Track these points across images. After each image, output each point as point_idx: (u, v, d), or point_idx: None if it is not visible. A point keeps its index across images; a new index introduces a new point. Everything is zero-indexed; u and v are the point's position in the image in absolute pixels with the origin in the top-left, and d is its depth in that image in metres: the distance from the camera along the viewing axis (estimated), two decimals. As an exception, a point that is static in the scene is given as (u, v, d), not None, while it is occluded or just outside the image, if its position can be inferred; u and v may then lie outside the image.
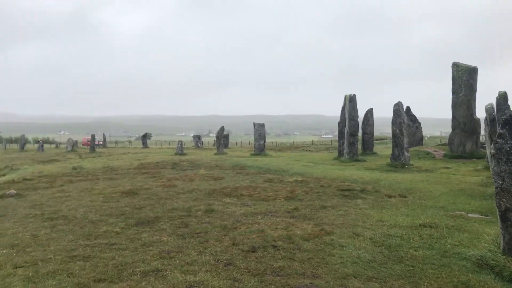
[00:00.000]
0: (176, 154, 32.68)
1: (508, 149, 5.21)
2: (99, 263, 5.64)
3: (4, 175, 21.70)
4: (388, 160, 21.44)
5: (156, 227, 7.74)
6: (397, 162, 19.07)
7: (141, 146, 59.36)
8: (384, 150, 34.35)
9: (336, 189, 12.26)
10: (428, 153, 24.30)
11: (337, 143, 34.39)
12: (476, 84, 22.55)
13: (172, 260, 5.75)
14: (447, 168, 18.62)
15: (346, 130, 23.54)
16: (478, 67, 22.65)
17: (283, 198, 10.87)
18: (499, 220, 5.50)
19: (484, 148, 23.78)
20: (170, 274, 5.20)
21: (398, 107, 19.47)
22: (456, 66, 22.81)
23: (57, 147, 64.47)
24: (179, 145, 34.74)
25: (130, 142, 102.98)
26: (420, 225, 7.80)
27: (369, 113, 29.01)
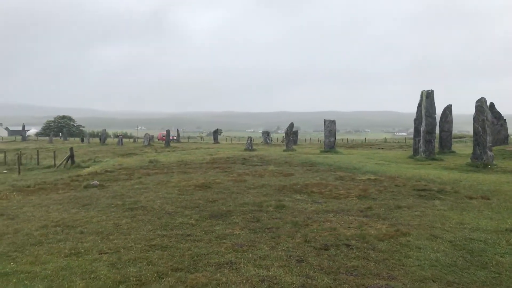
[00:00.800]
0: (245, 149, 33.20)
1: None
2: (176, 253, 5.90)
3: (88, 166, 23.41)
4: (468, 160, 20.14)
5: (228, 220, 7.93)
6: (479, 161, 17.85)
7: (212, 141, 61.06)
8: (463, 149, 32.33)
9: (411, 189, 11.75)
10: (515, 153, 22.45)
11: (411, 141, 32.97)
12: None
13: (245, 253, 5.86)
14: (537, 169, 17.09)
15: (423, 127, 22.43)
16: None
17: (356, 196, 10.63)
18: None
19: None
20: (244, 267, 5.31)
21: (481, 103, 18.20)
22: (549, 58, 20.81)
23: (135, 141, 68.34)
24: (249, 141, 35.25)
25: (201, 137, 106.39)
26: (506, 229, 7.25)
27: (448, 110, 27.38)
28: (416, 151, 24.26)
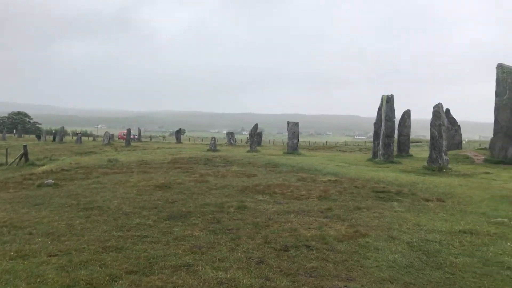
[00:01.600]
0: (209, 150, 32.93)
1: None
2: (131, 255, 5.68)
3: (43, 165, 22.45)
4: (425, 163, 20.80)
5: (188, 222, 7.75)
6: (435, 165, 18.45)
7: (175, 141, 60.24)
8: (420, 152, 33.40)
9: (370, 191, 11.96)
10: (468, 157, 23.41)
11: (371, 144, 33.77)
12: (522, 86, 21.51)
13: (204, 255, 5.72)
14: (488, 173, 17.84)
15: (382, 131, 22.98)
16: (524, 69, 21.60)
17: (316, 197, 10.69)
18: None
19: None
20: (201, 269, 5.17)
21: (438, 108, 18.83)
22: (501, 67, 21.84)
23: (94, 140, 66.41)
24: (212, 142, 34.99)
25: (164, 137, 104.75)
26: (460, 231, 7.47)
27: (406, 114, 28.21)
28: (375, 154, 24.82)
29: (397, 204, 10.21)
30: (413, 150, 31.98)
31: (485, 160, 22.18)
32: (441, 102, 19.06)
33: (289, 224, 7.65)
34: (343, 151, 38.91)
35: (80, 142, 50.22)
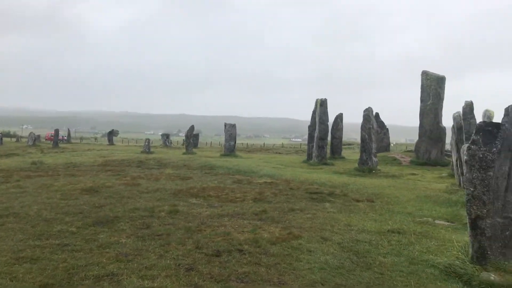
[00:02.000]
0: (142, 152, 31.91)
1: (480, 156, 5.13)
2: (48, 265, 5.20)
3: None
4: (356, 165, 21.59)
5: (115, 228, 7.31)
6: (365, 166, 19.18)
7: (107, 143, 57.86)
8: (351, 155, 34.69)
9: (304, 192, 12.10)
10: (395, 159, 24.65)
11: (306, 147, 34.51)
12: (443, 93, 23.05)
13: (130, 263, 5.38)
14: (414, 174, 18.87)
15: (316, 133, 23.55)
16: (445, 76, 23.16)
17: (252, 199, 10.61)
18: (468, 228, 5.41)
19: (449, 156, 24.34)
20: (126, 278, 4.84)
21: (368, 112, 19.60)
22: (425, 74, 23.23)
23: (18, 141, 61.91)
24: (146, 143, 33.96)
25: (96, 138, 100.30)
26: (388, 230, 7.71)
27: (339, 118, 29.19)
28: (310, 156, 25.39)
29: (330, 205, 10.39)
30: (345, 152, 33.17)
31: (411, 162, 23.48)
32: (371, 107, 19.87)
33: (223, 228, 7.47)
34: (279, 153, 39.48)
35: (1, 143, 46.59)
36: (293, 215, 8.86)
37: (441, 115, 23.08)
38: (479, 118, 17.72)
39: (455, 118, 13.07)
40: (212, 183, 13.57)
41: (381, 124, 30.24)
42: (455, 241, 6.72)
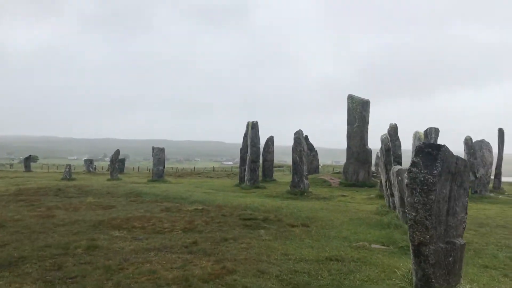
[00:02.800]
0: (63, 179, 29.56)
1: (422, 178, 4.93)
2: None
3: None
4: (288, 187, 21.50)
5: (18, 271, 6.22)
6: (297, 189, 19.09)
7: (23, 169, 53.31)
8: (282, 177, 34.86)
9: (238, 218, 11.54)
10: (325, 181, 24.98)
11: (237, 170, 34.16)
12: (368, 116, 23.91)
13: (31, 318, 4.45)
14: (344, 196, 19.10)
15: (248, 156, 23.23)
16: (370, 100, 24.09)
17: (181, 229, 9.83)
18: (411, 255, 5.16)
19: (375, 177, 25.16)
20: None
21: (298, 135, 19.66)
22: (351, 98, 24.00)
23: None
24: (67, 169, 31.58)
25: (11, 165, 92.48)
26: (326, 258, 7.37)
27: (270, 141, 29.22)
28: (242, 180, 24.96)
29: (264, 232, 9.92)
30: (276, 175, 33.18)
31: (340, 183, 23.89)
32: (301, 129, 19.97)
33: (148, 264, 6.66)
34: (210, 177, 38.64)
35: None
36: (226, 246, 8.24)
37: (367, 138, 23.90)
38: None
39: (383, 140, 13.34)
40: (137, 212, 12.55)
41: (310, 147, 30.75)
42: (395, 268, 6.49)
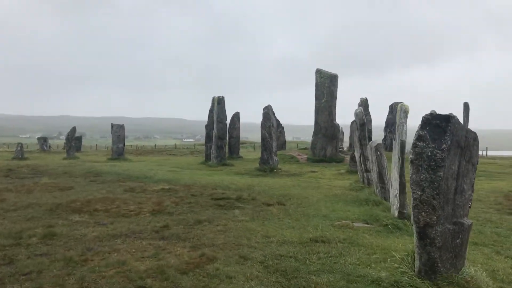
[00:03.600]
0: (14, 158, 27.67)
1: (429, 153, 4.40)
2: None
3: None
4: (257, 164, 20.99)
5: (-40, 268, 5.29)
6: (266, 166, 18.58)
7: (-29, 149, 49.93)
8: (248, 154, 34.35)
9: (209, 198, 10.86)
10: (293, 157, 24.62)
11: (201, 147, 33.31)
12: (336, 91, 23.55)
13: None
14: (314, 172, 18.78)
15: (214, 133, 22.42)
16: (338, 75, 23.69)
17: (149, 212, 9.03)
18: (416, 237, 4.68)
19: (342, 152, 25.06)
20: None
21: (267, 110, 19.03)
22: (319, 72, 23.51)
23: None
24: (18, 148, 29.56)
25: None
26: (311, 240, 6.84)
27: (236, 117, 28.47)
28: (208, 157, 24.20)
29: (240, 212, 9.31)
30: (241, 152, 32.59)
31: (308, 159, 23.60)
32: (270, 105, 19.33)
33: (116, 254, 5.88)
34: (173, 154, 37.49)
35: None
36: (202, 229, 7.56)
37: (335, 113, 23.60)
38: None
39: (357, 114, 12.92)
40: (99, 194, 11.60)
41: (277, 122, 30.23)
42: (386, 249, 6.05)
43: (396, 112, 8.17)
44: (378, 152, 10.17)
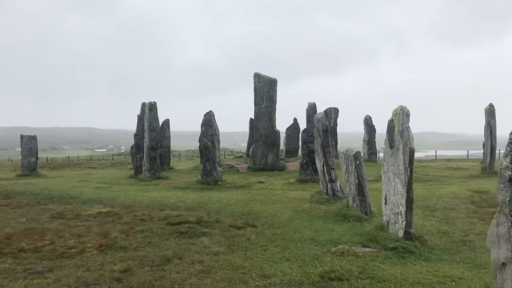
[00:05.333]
0: None
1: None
2: None
3: None
4: (193, 176, 19.30)
5: None
6: (210, 178, 16.91)
7: None
8: (178, 164, 32.31)
9: (164, 223, 9.01)
10: (232, 166, 23.14)
11: (120, 158, 30.83)
12: (276, 95, 22.60)
13: None
14: (261, 182, 17.49)
15: (146, 143, 20.19)
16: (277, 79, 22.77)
17: (96, 248, 7.03)
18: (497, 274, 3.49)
19: (283, 160, 24.15)
20: None
21: (209, 117, 17.40)
22: (258, 77, 22.40)
23: None
24: None
25: None
26: (321, 277, 5.50)
27: (166, 124, 26.32)
28: (137, 170, 21.86)
29: (209, 240, 7.66)
30: (171, 162, 30.42)
31: (249, 168, 22.32)
32: (212, 110, 17.72)
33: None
34: (93, 167, 33.93)
35: None
36: (176, 270, 5.83)
37: (275, 119, 22.62)
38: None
39: (319, 119, 11.88)
40: (19, 224, 9.18)
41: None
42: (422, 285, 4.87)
43: (396, 116, 7.12)
44: (357, 162, 9.14)
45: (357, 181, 9.15)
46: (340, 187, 12.00)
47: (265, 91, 21.98)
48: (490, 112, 18.55)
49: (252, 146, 23.47)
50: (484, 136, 19.05)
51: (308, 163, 16.75)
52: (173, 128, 29.96)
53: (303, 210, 10.72)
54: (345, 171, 9.76)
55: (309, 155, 16.73)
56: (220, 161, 18.08)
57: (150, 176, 19.66)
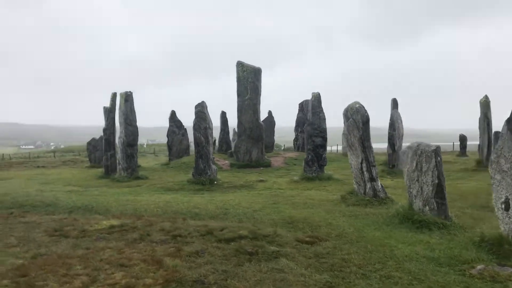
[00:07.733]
0: None
1: None
2: None
3: None
4: (175, 176, 17.29)
5: None
6: (204, 177, 14.97)
7: None
8: (149, 161, 29.90)
9: (213, 240, 7.12)
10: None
11: (69, 156, 28.12)
12: (261, 86, 20.96)
13: None
14: (262, 181, 15.82)
15: (122, 138, 17.70)
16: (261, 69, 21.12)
17: (162, 285, 5.08)
18: None
19: (267, 155, 22.54)
20: None
21: (202, 108, 15.38)
22: (241, 65, 20.60)
23: None
24: None
25: None
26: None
27: (132, 118, 23.73)
28: (108, 169, 19.26)
29: (294, 264, 5.98)
30: (141, 160, 27.78)
31: (232, 165, 20.60)
32: (204, 101, 15.72)
33: None
34: (43, 166, 29.95)
35: None
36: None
37: (260, 111, 20.98)
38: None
39: (358, 110, 10.49)
40: (16, 249, 6.84)
41: (179, 124, 26.29)
42: None
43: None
44: (438, 158, 7.85)
45: (436, 181, 7.86)
46: (382, 186, 10.72)
47: (250, 81, 20.25)
48: (486, 104, 18.30)
49: (236, 141, 21.68)
50: (479, 128, 18.83)
51: (314, 159, 15.37)
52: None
53: (352, 215, 9.30)
54: (413, 169, 8.42)
55: (315, 150, 15.35)
56: (214, 158, 16.18)
57: (128, 175, 17.24)
